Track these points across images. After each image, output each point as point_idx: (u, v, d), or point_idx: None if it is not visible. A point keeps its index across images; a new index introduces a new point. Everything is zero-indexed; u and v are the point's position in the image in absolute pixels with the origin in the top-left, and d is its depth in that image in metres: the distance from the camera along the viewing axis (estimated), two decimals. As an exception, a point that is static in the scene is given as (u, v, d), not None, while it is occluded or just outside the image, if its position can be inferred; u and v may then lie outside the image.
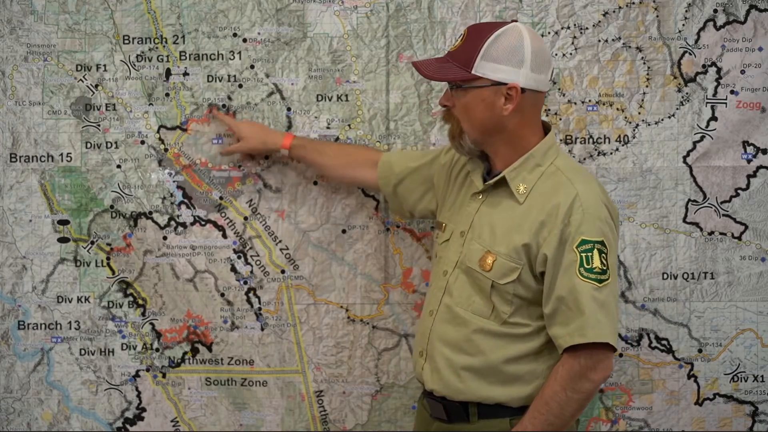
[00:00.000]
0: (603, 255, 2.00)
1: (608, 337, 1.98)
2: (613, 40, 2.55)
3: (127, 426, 2.62)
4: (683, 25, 2.53)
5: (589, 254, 1.99)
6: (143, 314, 2.61)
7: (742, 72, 2.53)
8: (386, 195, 2.49)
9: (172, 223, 2.60)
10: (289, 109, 2.59)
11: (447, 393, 2.12)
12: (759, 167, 2.54)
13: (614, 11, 2.54)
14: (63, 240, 2.60)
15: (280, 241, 2.60)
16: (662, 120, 2.55)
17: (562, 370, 2.00)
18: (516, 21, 2.13)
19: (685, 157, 2.55)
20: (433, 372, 2.14)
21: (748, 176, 2.54)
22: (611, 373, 2.03)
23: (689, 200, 2.55)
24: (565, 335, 1.99)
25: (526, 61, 2.05)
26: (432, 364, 2.15)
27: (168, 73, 2.59)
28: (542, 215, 2.04)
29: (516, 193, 2.09)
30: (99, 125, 2.60)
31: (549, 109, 2.55)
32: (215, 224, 2.60)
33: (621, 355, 2.56)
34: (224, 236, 2.60)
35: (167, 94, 2.59)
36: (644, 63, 2.54)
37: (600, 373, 2.00)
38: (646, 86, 2.55)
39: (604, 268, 1.99)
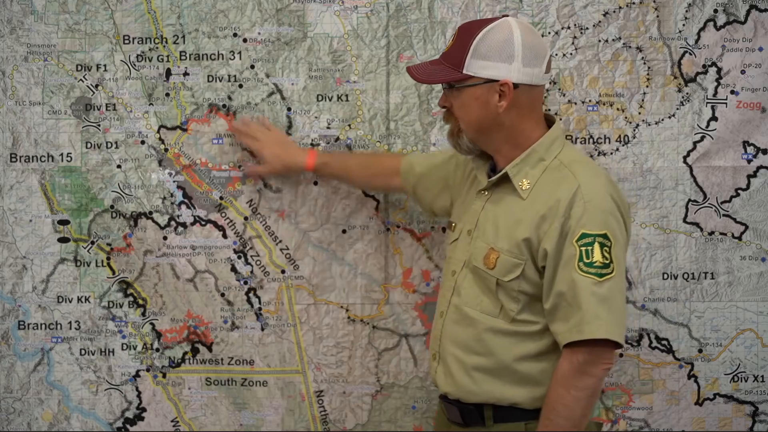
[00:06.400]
0: (605, 248, 1.95)
1: (607, 333, 1.92)
2: (613, 40, 2.55)
3: (128, 426, 2.62)
4: (683, 25, 2.53)
5: (590, 248, 1.95)
6: (143, 314, 2.61)
7: (743, 72, 2.53)
8: (410, 196, 2.49)
9: (173, 223, 2.60)
10: (289, 109, 2.59)
11: (460, 395, 2.09)
12: (759, 167, 2.54)
13: (614, 11, 2.54)
14: (63, 240, 2.60)
15: (280, 241, 2.60)
16: (662, 120, 2.55)
17: (562, 368, 1.96)
18: (507, 16, 2.09)
19: (685, 157, 2.55)
20: (446, 375, 2.12)
21: (749, 176, 2.54)
22: (612, 366, 1.99)
23: (689, 200, 2.55)
24: (564, 332, 1.96)
25: (517, 55, 2.01)
26: (444, 366, 2.12)
27: (168, 73, 2.59)
28: (543, 209, 2.00)
29: (519, 189, 2.06)
30: (99, 125, 2.60)
31: (549, 110, 2.55)
32: (215, 224, 2.60)
33: (621, 355, 2.57)
34: (224, 236, 2.60)
35: (167, 94, 2.59)
36: (644, 63, 2.54)
37: (600, 367, 1.95)
38: (647, 86, 2.55)
39: (607, 261, 1.94)
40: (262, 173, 2.55)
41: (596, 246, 1.95)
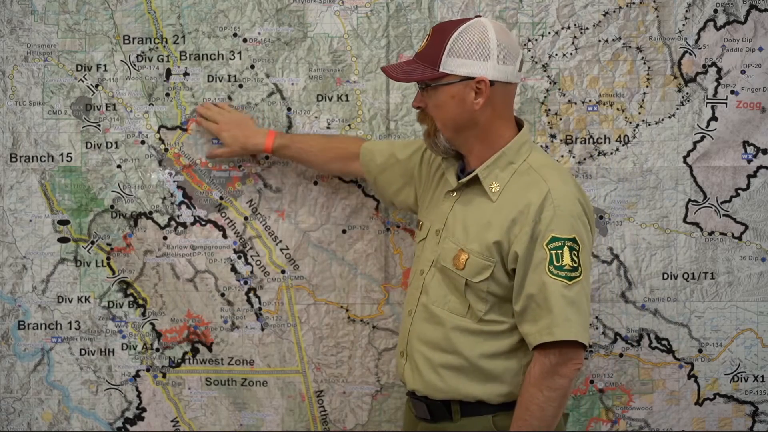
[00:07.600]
0: (574, 252, 1.99)
1: (576, 335, 1.98)
2: (613, 40, 2.55)
3: (128, 426, 2.62)
4: (683, 25, 2.54)
5: (560, 252, 1.99)
6: (143, 314, 2.61)
7: (743, 72, 2.53)
8: (370, 184, 2.50)
9: (173, 223, 2.60)
10: (289, 109, 2.59)
11: (428, 392, 2.13)
12: (759, 167, 2.54)
13: (614, 11, 2.54)
14: (63, 240, 2.60)
15: (280, 241, 2.60)
16: (662, 120, 2.55)
17: (534, 370, 2.01)
18: (480, 16, 2.12)
19: (685, 157, 2.55)
20: (414, 372, 2.15)
21: (749, 176, 2.54)
22: (582, 366, 2.03)
23: (689, 200, 2.55)
24: (534, 333, 2.00)
25: (492, 53, 2.04)
26: (412, 363, 2.16)
27: (168, 73, 2.59)
28: (514, 213, 2.04)
29: (489, 191, 2.09)
30: (99, 125, 2.60)
31: (549, 109, 2.55)
32: (215, 224, 2.60)
33: (621, 355, 2.57)
34: (224, 236, 2.60)
35: (167, 94, 2.59)
36: (644, 63, 2.54)
37: (571, 367, 2.00)
38: (647, 86, 2.55)
39: (575, 265, 1.99)
40: (222, 155, 2.56)
41: (566, 250, 1.99)
